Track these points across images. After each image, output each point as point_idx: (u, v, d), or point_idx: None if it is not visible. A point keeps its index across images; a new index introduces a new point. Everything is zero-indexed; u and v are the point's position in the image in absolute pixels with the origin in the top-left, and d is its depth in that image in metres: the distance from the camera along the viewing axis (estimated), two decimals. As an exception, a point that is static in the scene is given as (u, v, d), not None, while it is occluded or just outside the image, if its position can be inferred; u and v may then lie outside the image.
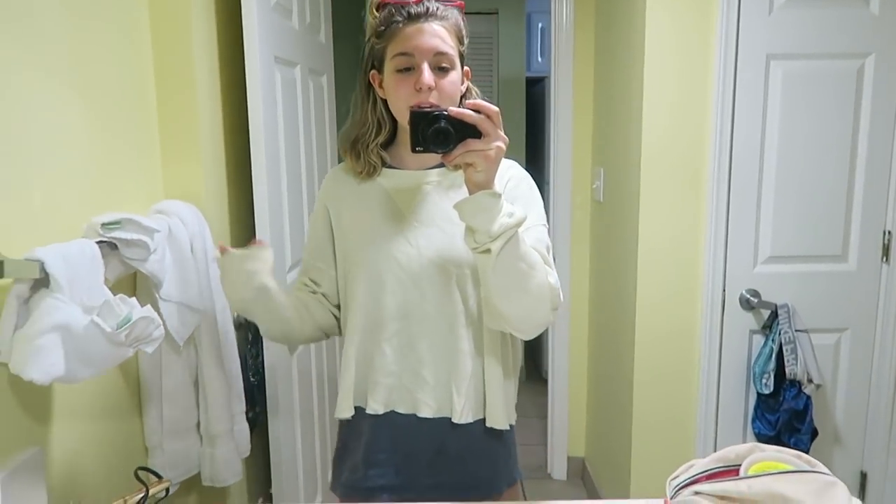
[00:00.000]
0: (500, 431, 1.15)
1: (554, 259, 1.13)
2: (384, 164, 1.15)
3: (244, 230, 1.82)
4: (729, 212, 1.95)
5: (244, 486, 1.81)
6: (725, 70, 1.87)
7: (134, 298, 1.04)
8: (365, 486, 1.16)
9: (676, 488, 0.99)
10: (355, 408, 1.16)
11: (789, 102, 1.88)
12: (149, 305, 1.04)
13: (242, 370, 1.74)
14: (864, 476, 2.06)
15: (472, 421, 1.12)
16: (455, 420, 1.11)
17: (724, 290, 1.99)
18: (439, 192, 1.13)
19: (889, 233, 1.95)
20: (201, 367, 1.45)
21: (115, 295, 1.03)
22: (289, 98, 1.85)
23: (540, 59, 3.88)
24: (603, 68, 2.43)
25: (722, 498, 0.94)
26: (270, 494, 1.76)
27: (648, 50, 1.89)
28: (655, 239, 1.98)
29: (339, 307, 1.22)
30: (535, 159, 3.69)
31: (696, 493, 0.95)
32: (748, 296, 1.99)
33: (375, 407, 1.14)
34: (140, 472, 1.05)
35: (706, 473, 1.00)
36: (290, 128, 1.85)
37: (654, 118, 1.92)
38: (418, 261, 1.10)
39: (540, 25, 3.84)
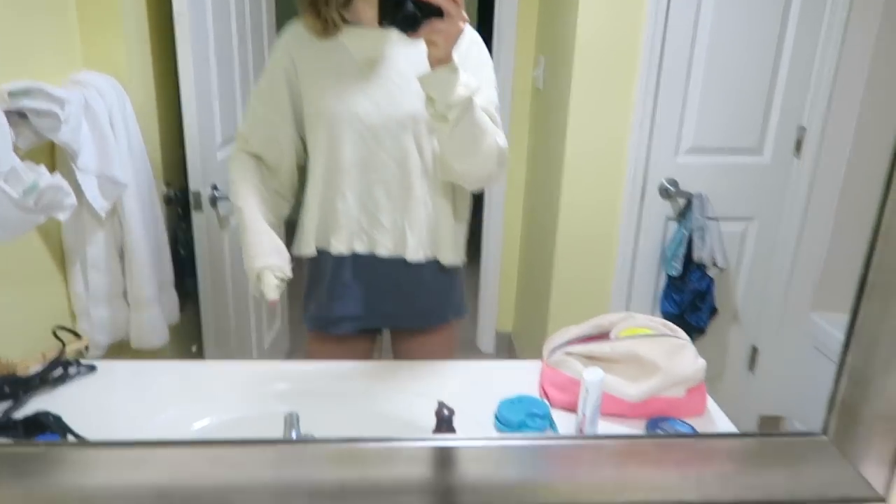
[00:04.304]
0: (449, 269, 1.31)
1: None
2: (343, 21, 1.19)
3: (171, 105, 1.81)
4: (656, 104, 1.99)
5: (177, 350, 1.91)
6: (661, -43, 1.86)
7: (42, 166, 1.06)
8: (331, 315, 1.33)
9: (552, 350, 1.11)
10: (318, 249, 1.30)
11: (722, -5, 1.90)
12: (58, 174, 1.07)
13: (173, 243, 1.80)
14: (755, 350, 2.26)
15: (423, 260, 1.27)
16: (409, 258, 1.26)
17: (645, 179, 2.07)
18: (397, 50, 1.20)
19: (803, 128, 2.04)
20: (126, 237, 1.49)
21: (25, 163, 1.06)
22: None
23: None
24: (547, -51, 2.37)
25: (589, 357, 1.06)
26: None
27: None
28: (585, 126, 2.04)
29: (285, 182, 1.30)
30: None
31: (568, 353, 1.07)
32: (667, 185, 2.08)
33: (339, 247, 1.27)
34: (58, 331, 1.12)
35: (580, 337, 1.12)
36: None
37: (589, 7, 1.92)
38: (377, 115, 1.19)
39: None
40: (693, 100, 1.99)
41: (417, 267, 1.28)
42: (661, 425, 0.94)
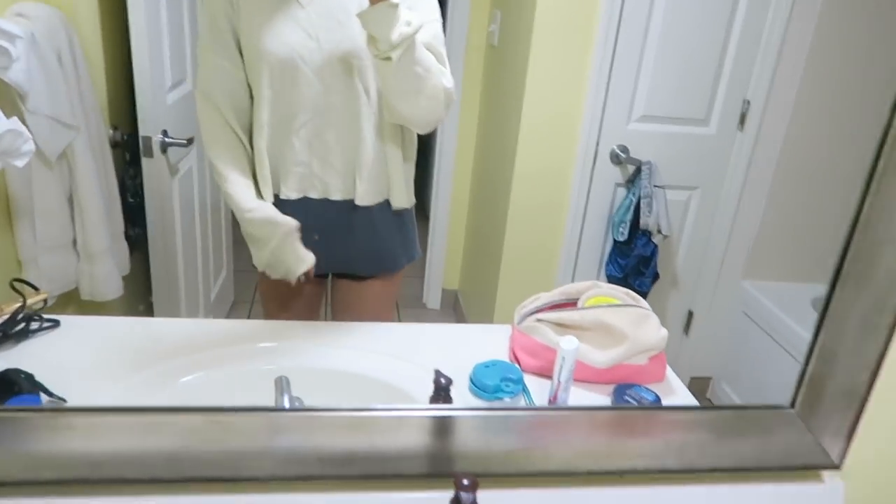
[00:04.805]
0: (401, 212, 1.31)
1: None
2: None
3: (117, 42, 1.70)
4: (612, 69, 2.03)
5: (125, 302, 1.85)
6: (627, -78, 1.86)
7: (-1, 110, 1.00)
8: None
9: (523, 316, 1.14)
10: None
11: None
12: (15, 118, 1.00)
13: (121, 190, 1.72)
14: (690, 314, 2.39)
15: (373, 203, 1.27)
16: (357, 202, 1.25)
17: (597, 144, 2.12)
18: None
19: (748, 102, 2.12)
20: (76, 184, 1.42)
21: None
22: None
23: None
24: None
25: (559, 325, 1.10)
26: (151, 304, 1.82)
27: None
28: (542, 89, 2.05)
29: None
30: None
31: (539, 320, 1.11)
32: (618, 151, 2.13)
33: (288, 193, 1.25)
34: (16, 284, 1.07)
35: (550, 304, 1.16)
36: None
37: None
38: (319, 53, 1.14)
39: None
40: (647, 70, 2.03)
41: (369, 210, 1.27)
42: (627, 392, 1.00)
